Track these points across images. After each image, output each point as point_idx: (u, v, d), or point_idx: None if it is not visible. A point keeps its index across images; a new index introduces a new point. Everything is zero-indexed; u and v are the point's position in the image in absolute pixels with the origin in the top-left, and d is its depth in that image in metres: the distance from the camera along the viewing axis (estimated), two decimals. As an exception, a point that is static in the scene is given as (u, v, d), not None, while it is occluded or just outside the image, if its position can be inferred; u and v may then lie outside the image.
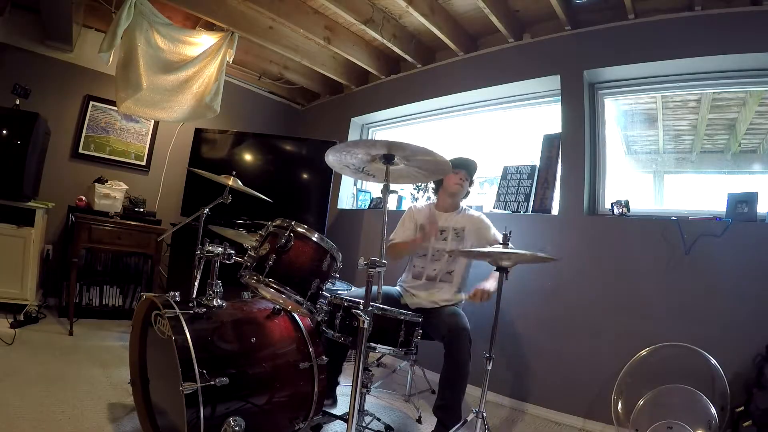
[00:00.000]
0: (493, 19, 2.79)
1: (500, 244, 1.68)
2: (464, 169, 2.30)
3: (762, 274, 1.93)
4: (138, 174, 3.82)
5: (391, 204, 3.66)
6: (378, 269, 1.39)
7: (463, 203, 2.44)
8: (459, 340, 1.88)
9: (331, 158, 1.57)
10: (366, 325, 1.33)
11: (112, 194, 3.33)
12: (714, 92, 2.47)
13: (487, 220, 2.32)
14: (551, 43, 2.84)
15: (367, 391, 1.75)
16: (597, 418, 2.23)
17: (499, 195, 2.96)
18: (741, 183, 2.47)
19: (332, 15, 3.24)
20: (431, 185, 2.44)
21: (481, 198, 3.38)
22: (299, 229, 1.55)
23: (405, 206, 3.71)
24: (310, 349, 1.67)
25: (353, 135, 4.24)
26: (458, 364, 1.87)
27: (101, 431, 1.62)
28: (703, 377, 1.89)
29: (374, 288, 1.46)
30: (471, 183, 2.40)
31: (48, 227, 3.29)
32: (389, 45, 3.30)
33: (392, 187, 1.80)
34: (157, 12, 3.03)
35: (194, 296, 1.55)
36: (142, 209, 3.44)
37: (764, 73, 2.23)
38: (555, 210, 2.70)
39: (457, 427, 1.75)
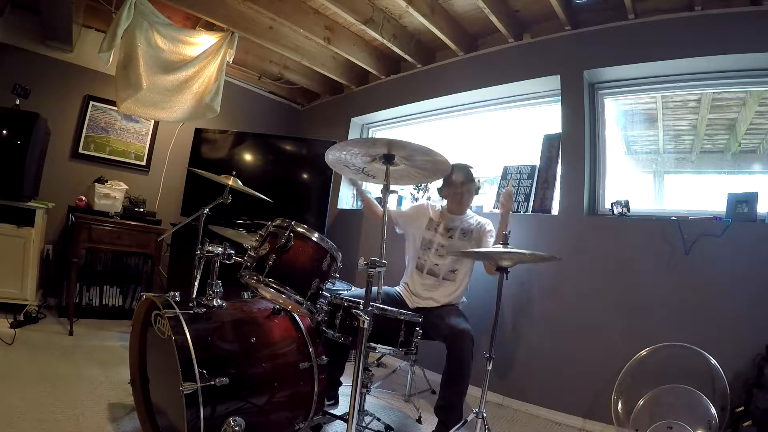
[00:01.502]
0: (493, 19, 2.79)
1: (500, 244, 1.67)
2: (448, 183, 2.30)
3: (762, 274, 1.93)
4: (138, 174, 3.82)
5: (391, 204, 3.66)
6: (378, 269, 1.39)
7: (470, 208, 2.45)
8: (461, 341, 1.88)
9: (331, 158, 1.57)
10: (366, 325, 1.33)
11: (112, 194, 3.33)
12: (714, 92, 2.47)
13: (490, 227, 2.32)
14: (551, 43, 2.84)
15: (367, 391, 1.75)
16: (597, 418, 2.23)
17: (499, 195, 2.96)
18: (741, 183, 2.47)
19: (332, 15, 3.23)
20: (436, 189, 2.47)
21: (481, 198, 3.37)
22: (299, 229, 1.55)
23: (405, 206, 3.71)
24: (310, 349, 1.67)
25: (353, 135, 4.23)
26: (460, 364, 1.87)
27: (101, 431, 1.62)
28: (703, 377, 1.89)
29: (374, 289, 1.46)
30: (470, 182, 2.31)
31: (48, 227, 3.29)
32: (389, 45, 3.30)
33: (392, 187, 1.80)
34: (157, 12, 3.03)
35: (194, 296, 1.55)
36: (142, 209, 3.44)
37: (764, 73, 2.23)
38: (555, 210, 2.70)
39: (457, 427, 1.75)
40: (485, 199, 3.30)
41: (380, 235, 1.53)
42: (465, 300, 2.34)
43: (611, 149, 2.75)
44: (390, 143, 1.42)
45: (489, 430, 1.66)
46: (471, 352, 1.89)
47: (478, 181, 2.39)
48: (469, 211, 2.42)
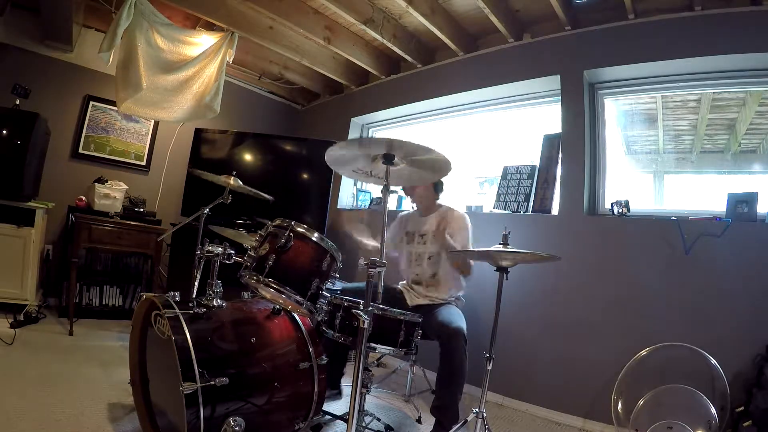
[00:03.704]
0: (493, 19, 2.79)
1: (500, 244, 1.67)
2: None
3: (762, 274, 1.93)
4: (138, 174, 3.82)
5: (391, 204, 3.66)
6: (378, 269, 1.39)
7: (446, 201, 2.40)
8: (454, 340, 1.88)
9: (331, 157, 1.54)
10: (366, 325, 1.33)
11: (112, 194, 3.33)
12: (714, 92, 2.47)
13: (465, 223, 2.25)
14: (551, 43, 2.84)
15: (367, 391, 1.75)
16: (597, 418, 2.23)
17: (499, 195, 2.96)
18: (741, 183, 2.47)
19: (332, 15, 3.23)
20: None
21: (481, 198, 3.38)
22: (299, 229, 1.55)
23: (405, 206, 3.71)
24: (310, 349, 1.67)
25: (353, 135, 4.23)
26: (453, 364, 1.87)
27: (101, 431, 1.62)
28: (703, 377, 1.89)
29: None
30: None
31: (48, 227, 3.29)
32: (389, 45, 3.30)
33: (392, 187, 1.78)
34: (157, 12, 3.04)
35: (194, 296, 1.54)
36: (142, 209, 3.43)
37: (764, 73, 2.23)
38: (555, 210, 2.70)
39: (457, 427, 1.76)
40: (485, 199, 3.31)
41: (380, 234, 1.53)
42: (463, 300, 2.34)
43: (611, 149, 2.75)
44: (390, 143, 1.41)
45: (489, 430, 1.66)
46: (464, 351, 1.88)
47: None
48: (442, 206, 2.36)
